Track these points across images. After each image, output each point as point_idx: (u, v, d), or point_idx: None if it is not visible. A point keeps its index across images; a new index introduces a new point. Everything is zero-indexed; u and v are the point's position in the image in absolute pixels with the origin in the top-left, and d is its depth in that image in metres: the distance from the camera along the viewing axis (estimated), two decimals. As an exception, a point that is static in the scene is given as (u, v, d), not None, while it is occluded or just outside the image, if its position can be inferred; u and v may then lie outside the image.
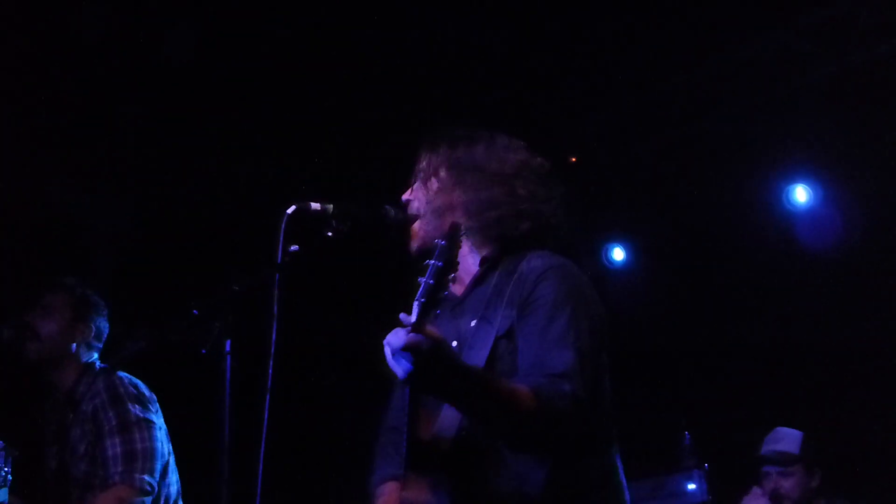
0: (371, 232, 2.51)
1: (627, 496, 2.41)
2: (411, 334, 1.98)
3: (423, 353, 1.98)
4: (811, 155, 6.48)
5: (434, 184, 2.53)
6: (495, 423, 2.22)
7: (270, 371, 2.33)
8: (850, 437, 5.44)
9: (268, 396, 2.29)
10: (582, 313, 2.31)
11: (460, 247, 2.27)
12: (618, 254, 7.69)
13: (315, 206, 2.44)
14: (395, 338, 2.02)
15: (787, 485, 4.62)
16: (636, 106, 6.93)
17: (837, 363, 6.37)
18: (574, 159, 7.01)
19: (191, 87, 5.41)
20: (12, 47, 4.82)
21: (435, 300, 2.05)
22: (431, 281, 2.04)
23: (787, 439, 4.72)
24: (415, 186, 2.58)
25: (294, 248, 2.43)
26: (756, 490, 4.78)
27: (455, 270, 2.08)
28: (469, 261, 2.49)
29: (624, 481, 2.42)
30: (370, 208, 2.52)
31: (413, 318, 2.01)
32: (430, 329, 2.02)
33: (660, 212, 7.27)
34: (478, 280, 2.47)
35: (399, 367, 2.04)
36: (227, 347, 2.47)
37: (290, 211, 2.41)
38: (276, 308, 2.33)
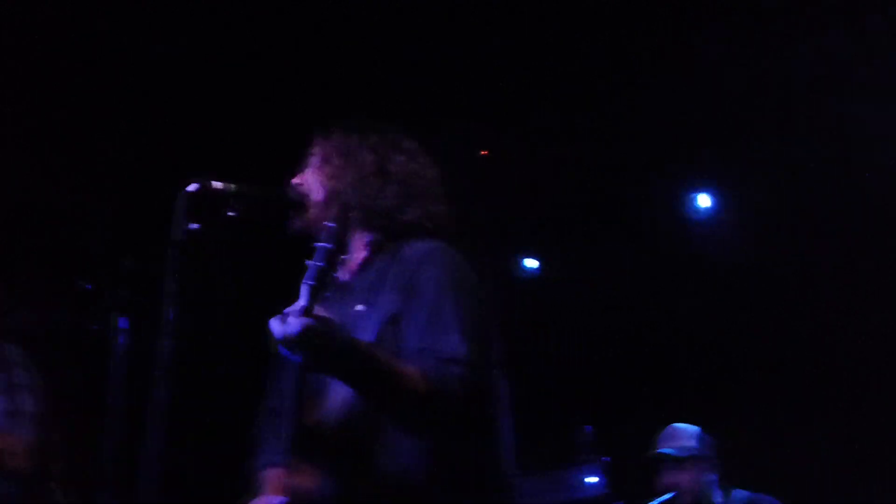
0: (269, 213, 2.52)
1: (510, 483, 2.40)
2: (303, 318, 2.00)
3: (315, 337, 2.00)
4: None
5: (325, 169, 2.55)
6: (386, 404, 2.23)
7: (166, 352, 2.26)
8: (745, 432, 5.54)
9: (164, 375, 2.23)
10: (466, 298, 2.33)
11: (349, 231, 2.40)
12: (530, 262, 7.73)
13: (217, 185, 2.41)
14: (284, 324, 2.02)
15: (684, 479, 4.71)
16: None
17: (733, 361, 6.55)
18: (485, 152, 6.99)
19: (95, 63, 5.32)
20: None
21: (324, 282, 2.05)
22: (321, 263, 2.04)
23: (683, 435, 4.81)
24: (307, 171, 2.60)
25: (194, 225, 2.37)
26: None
27: (344, 253, 2.18)
28: (355, 246, 2.52)
29: (506, 469, 2.40)
30: (269, 190, 2.54)
31: (302, 301, 2.01)
32: (320, 312, 2.04)
33: (567, 220, 7.28)
34: (363, 265, 2.49)
35: (292, 354, 2.06)
36: (122, 324, 2.46)
37: (190, 189, 2.37)
38: (173, 286, 2.27)
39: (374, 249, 2.49)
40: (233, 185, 2.44)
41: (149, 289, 2.33)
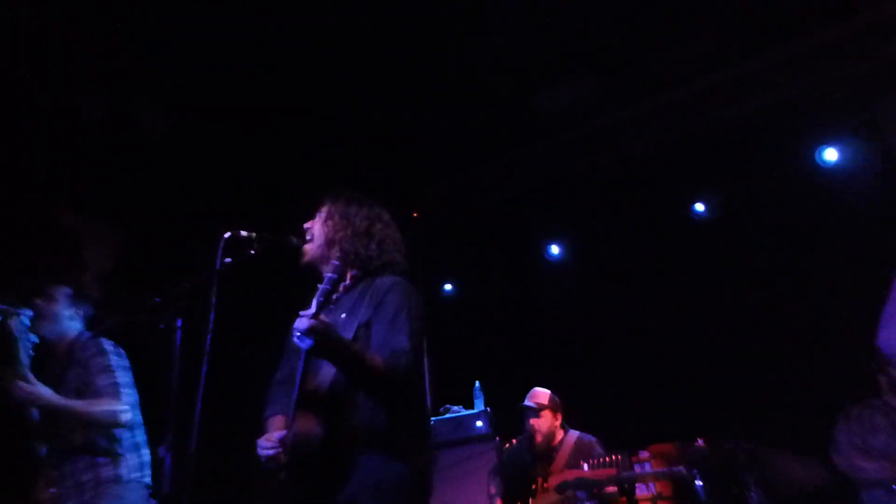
0: (280, 252, 2.60)
1: (428, 425, 2.53)
2: (312, 320, 2.13)
3: (319, 333, 2.14)
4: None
5: (328, 223, 2.64)
6: (359, 379, 2.32)
7: (208, 344, 2.39)
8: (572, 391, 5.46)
9: (206, 360, 2.31)
10: (413, 313, 2.44)
11: (349, 267, 2.53)
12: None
13: (243, 233, 2.55)
14: (300, 322, 2.15)
15: (540, 423, 4.72)
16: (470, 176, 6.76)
17: (572, 339, 6.50)
18: (416, 214, 6.91)
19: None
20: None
21: (329, 299, 2.22)
22: (328, 287, 2.21)
23: (540, 395, 4.83)
24: (316, 221, 2.68)
25: (228, 259, 2.51)
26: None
27: (344, 281, 2.29)
28: (343, 275, 2.54)
29: (427, 411, 2.57)
30: (280, 237, 2.63)
31: (313, 309, 2.16)
32: (324, 318, 2.18)
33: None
34: (348, 289, 2.54)
35: (303, 343, 2.17)
36: (179, 324, 2.50)
37: (226, 235, 2.51)
38: (213, 300, 2.40)
39: (356, 280, 2.58)
40: (254, 234, 2.57)
41: (199, 302, 2.34)
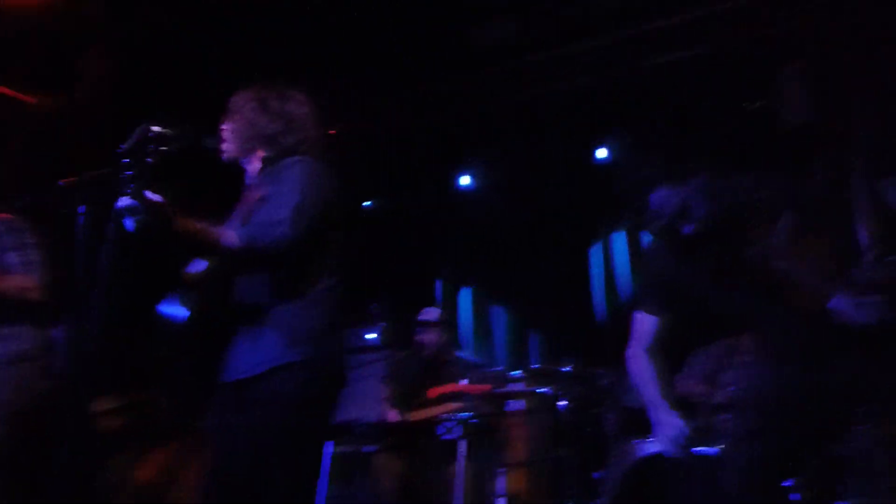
0: (195, 151, 2.37)
1: (333, 319, 2.25)
2: (131, 200, 1.88)
3: (139, 211, 1.88)
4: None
5: (231, 119, 2.44)
6: (210, 254, 2.14)
7: (111, 231, 2.14)
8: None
9: (111, 246, 2.14)
10: (310, 186, 2.21)
11: (250, 154, 2.35)
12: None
13: (158, 127, 2.17)
14: (119, 201, 1.90)
15: (428, 338, 4.94)
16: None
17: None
18: (333, 132, 6.78)
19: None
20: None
21: (143, 177, 1.94)
22: (132, 174, 1.92)
23: (431, 312, 5.03)
24: (228, 120, 2.46)
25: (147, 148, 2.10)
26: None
27: (146, 167, 1.96)
28: (255, 161, 2.43)
29: (336, 296, 2.28)
30: (196, 134, 2.33)
31: (130, 187, 1.90)
32: (148, 193, 1.90)
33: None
34: (259, 172, 2.41)
35: (128, 224, 1.93)
36: (81, 210, 2.37)
37: (140, 127, 2.14)
38: (127, 146, 2.04)
39: (266, 163, 2.39)
40: (170, 130, 2.19)
41: (104, 189, 2.22)
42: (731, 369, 4.09)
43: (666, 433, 2.60)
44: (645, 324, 2.65)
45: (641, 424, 4.32)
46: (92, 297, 2.18)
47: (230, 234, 2.07)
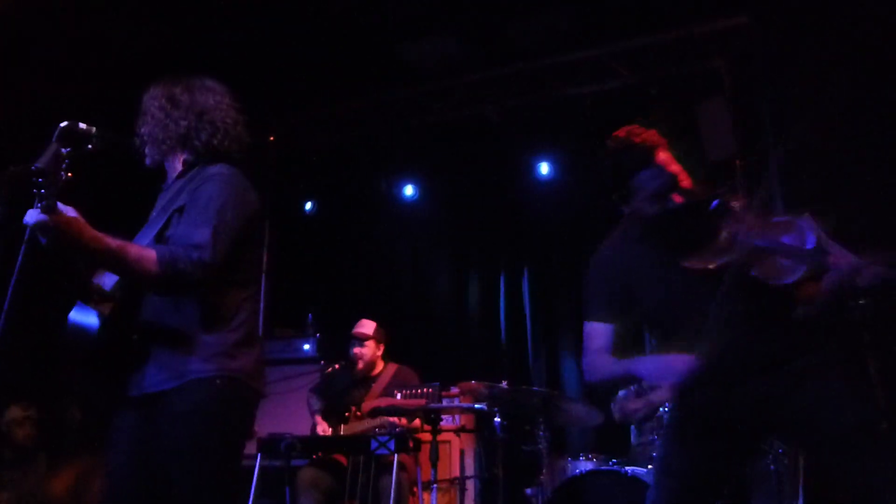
0: (119, 153, 2.28)
1: (249, 331, 2.19)
2: (40, 215, 1.81)
3: (49, 228, 1.82)
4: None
5: (149, 117, 2.31)
6: (126, 276, 2.06)
7: (27, 233, 1.98)
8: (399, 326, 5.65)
9: (24, 244, 2.02)
10: (231, 206, 2.12)
11: (168, 155, 2.24)
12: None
13: (83, 125, 2.08)
14: (27, 216, 1.84)
15: (364, 351, 4.85)
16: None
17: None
18: (272, 138, 6.72)
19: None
20: None
21: (55, 191, 1.83)
22: (43, 190, 1.81)
23: (366, 325, 4.96)
24: (140, 121, 2.33)
25: (64, 150, 1.97)
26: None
27: (59, 182, 1.84)
28: (175, 163, 2.31)
29: (249, 309, 2.21)
30: (121, 136, 2.22)
31: (41, 201, 1.80)
32: (60, 209, 1.83)
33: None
34: (179, 176, 2.29)
35: (40, 237, 1.86)
36: None
37: (62, 124, 2.04)
38: (40, 164, 1.87)
39: (186, 167, 2.27)
40: (94, 128, 2.08)
41: (22, 188, 2.11)
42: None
43: (657, 375, 2.34)
44: (596, 334, 2.48)
45: (573, 443, 4.40)
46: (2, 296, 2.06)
47: (148, 256, 1.98)
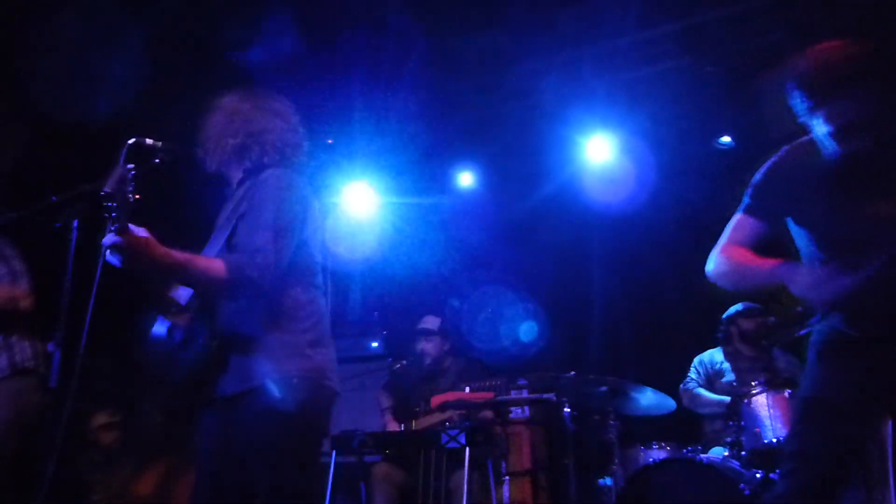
0: (185, 164, 2.36)
1: (319, 331, 2.25)
2: (116, 237, 1.92)
3: (122, 249, 1.93)
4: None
5: (209, 131, 2.40)
6: (196, 286, 2.16)
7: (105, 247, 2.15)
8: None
9: (101, 262, 2.11)
10: (287, 207, 2.19)
11: (229, 164, 2.31)
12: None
13: (149, 141, 2.21)
14: (105, 238, 1.95)
15: (429, 347, 4.90)
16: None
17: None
18: (330, 141, 6.77)
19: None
20: None
21: (126, 214, 1.94)
22: (115, 214, 1.93)
23: (431, 321, 4.99)
24: (202, 132, 2.43)
25: (131, 166, 2.11)
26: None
27: (129, 204, 1.94)
28: (235, 172, 2.40)
29: (319, 309, 2.28)
30: (186, 148, 2.36)
31: (116, 224, 1.92)
32: (131, 231, 1.94)
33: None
34: (239, 184, 2.38)
35: (114, 260, 1.98)
36: (75, 224, 2.39)
37: (130, 141, 2.17)
38: (111, 204, 2.00)
39: (245, 175, 2.36)
40: (160, 143, 2.21)
41: (97, 204, 2.21)
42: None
43: (802, 279, 2.10)
44: (741, 226, 2.30)
45: (644, 432, 4.32)
46: (82, 313, 2.17)
47: (215, 266, 2.08)
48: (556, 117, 5.93)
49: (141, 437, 4.74)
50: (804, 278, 2.11)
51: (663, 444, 3.99)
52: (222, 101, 2.42)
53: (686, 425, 4.41)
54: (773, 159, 2.34)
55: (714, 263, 2.33)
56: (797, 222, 2.29)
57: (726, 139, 5.71)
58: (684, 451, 3.90)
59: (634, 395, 3.96)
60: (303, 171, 2.38)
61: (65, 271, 2.35)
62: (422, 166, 6.63)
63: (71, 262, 2.36)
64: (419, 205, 6.92)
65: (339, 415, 2.35)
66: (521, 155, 6.38)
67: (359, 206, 6.40)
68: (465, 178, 6.68)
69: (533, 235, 6.55)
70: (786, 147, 2.34)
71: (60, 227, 2.42)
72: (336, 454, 4.17)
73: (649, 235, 5.70)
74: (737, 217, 2.36)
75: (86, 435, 4.73)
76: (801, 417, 2.18)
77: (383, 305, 6.31)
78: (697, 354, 4.52)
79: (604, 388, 3.93)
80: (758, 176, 2.34)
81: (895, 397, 2.10)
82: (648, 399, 4.00)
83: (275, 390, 2.09)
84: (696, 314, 5.00)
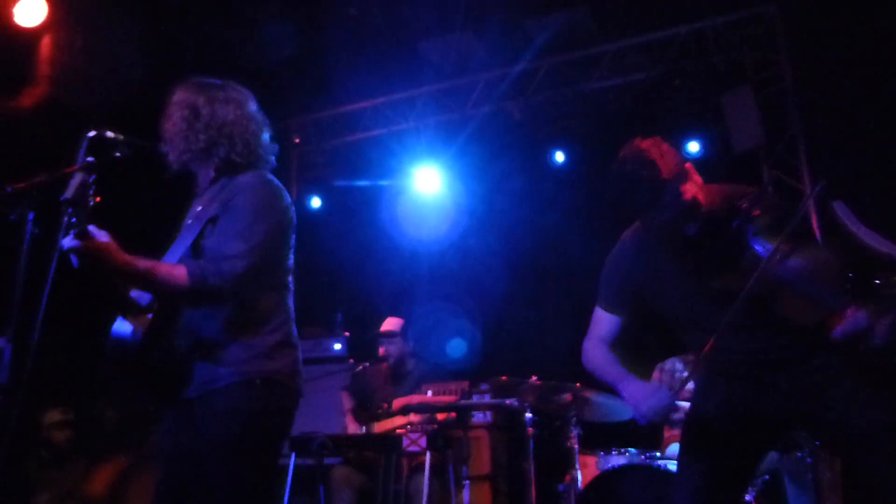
0: (146, 157, 2.28)
1: (286, 333, 2.25)
2: (73, 241, 1.92)
3: (80, 253, 1.93)
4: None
5: (171, 125, 2.32)
6: (157, 293, 2.13)
7: (60, 240, 2.07)
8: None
9: (55, 256, 2.07)
10: (263, 215, 2.15)
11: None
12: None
13: (110, 133, 2.16)
14: (63, 241, 1.94)
15: (392, 349, 4.87)
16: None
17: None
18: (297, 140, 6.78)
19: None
20: None
21: (86, 218, 1.94)
22: (75, 218, 1.93)
23: (393, 322, 4.96)
24: (167, 121, 2.34)
25: (90, 159, 2.10)
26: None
27: (85, 206, 1.92)
28: (206, 171, 2.33)
29: (288, 310, 2.28)
30: (147, 142, 2.29)
31: (74, 228, 1.91)
32: (92, 235, 1.94)
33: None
34: (210, 184, 2.32)
35: (73, 260, 1.97)
36: (31, 217, 2.30)
37: (90, 134, 2.14)
38: (69, 195, 2.00)
39: (218, 175, 2.30)
40: (121, 136, 2.17)
41: (53, 195, 2.15)
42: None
43: (642, 402, 2.29)
44: (603, 321, 2.51)
45: (604, 438, 4.34)
46: (34, 307, 2.10)
47: (178, 274, 2.03)
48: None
49: (94, 435, 4.63)
50: (630, 397, 2.30)
51: (623, 450, 4.01)
52: (184, 92, 2.33)
53: (646, 432, 4.45)
54: (612, 251, 2.50)
55: (583, 358, 2.51)
56: (651, 306, 2.44)
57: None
58: (643, 457, 3.92)
59: (596, 400, 3.97)
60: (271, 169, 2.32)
61: (18, 265, 2.27)
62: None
63: (25, 255, 2.28)
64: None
65: (299, 416, 2.32)
66: (488, 160, 6.45)
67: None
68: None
69: (497, 239, 6.59)
70: (624, 235, 2.50)
71: (14, 219, 2.34)
72: (295, 456, 4.12)
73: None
74: (595, 309, 2.52)
75: (37, 433, 4.61)
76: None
77: (346, 307, 6.27)
78: (659, 362, 4.57)
79: (565, 394, 3.94)
80: (603, 269, 2.50)
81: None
82: (609, 405, 4.01)
83: (236, 390, 2.06)
84: (658, 321, 5.04)
